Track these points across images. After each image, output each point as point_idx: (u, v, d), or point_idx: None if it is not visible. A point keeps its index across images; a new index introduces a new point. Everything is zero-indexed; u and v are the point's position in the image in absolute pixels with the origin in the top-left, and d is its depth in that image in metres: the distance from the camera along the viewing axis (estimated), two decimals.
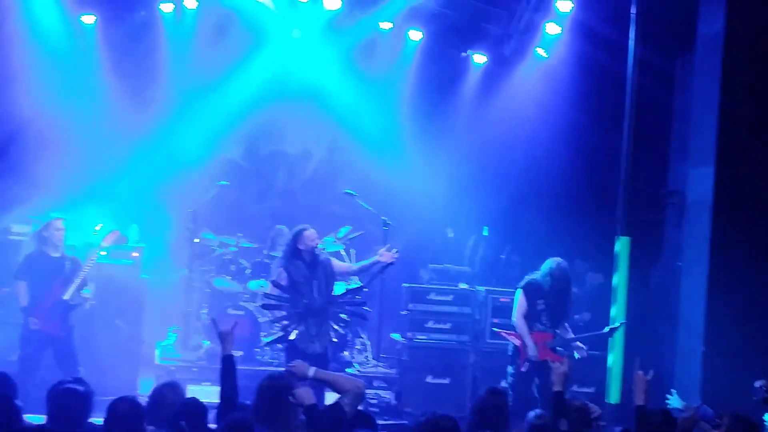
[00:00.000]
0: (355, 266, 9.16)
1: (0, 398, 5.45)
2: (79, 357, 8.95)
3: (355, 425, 5.58)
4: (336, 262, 9.01)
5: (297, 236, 8.68)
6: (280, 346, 10.39)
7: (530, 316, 8.95)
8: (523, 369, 8.87)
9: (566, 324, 9.09)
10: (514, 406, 7.94)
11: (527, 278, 9.10)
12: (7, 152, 10.75)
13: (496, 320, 10.43)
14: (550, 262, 8.96)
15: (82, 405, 5.42)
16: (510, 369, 9.04)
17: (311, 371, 6.17)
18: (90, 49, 11.65)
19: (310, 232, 8.70)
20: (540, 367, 8.82)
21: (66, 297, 8.89)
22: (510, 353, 9.08)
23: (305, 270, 8.62)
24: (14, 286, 9.07)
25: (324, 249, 9.98)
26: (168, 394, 5.87)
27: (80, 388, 5.56)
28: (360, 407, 6.26)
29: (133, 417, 5.27)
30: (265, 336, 9.64)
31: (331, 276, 8.74)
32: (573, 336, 9.04)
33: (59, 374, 8.33)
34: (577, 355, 8.96)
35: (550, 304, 8.94)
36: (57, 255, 9.01)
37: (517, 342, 8.97)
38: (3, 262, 10.07)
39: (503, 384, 8.78)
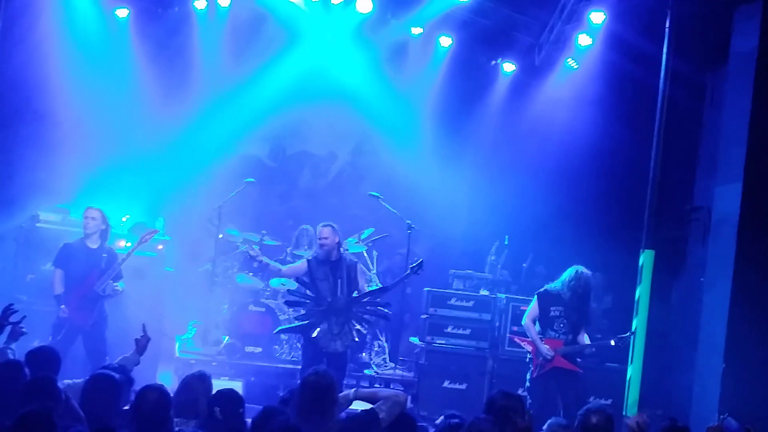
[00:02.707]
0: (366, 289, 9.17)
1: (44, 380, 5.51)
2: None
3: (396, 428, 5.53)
4: (360, 269, 9.06)
5: (316, 232, 8.82)
6: (284, 337, 10.51)
7: (543, 323, 9.00)
8: (534, 375, 8.91)
9: (585, 333, 9.08)
10: (533, 411, 8.02)
11: (546, 286, 9.19)
12: (39, 142, 10.83)
13: (515, 328, 10.44)
14: (571, 270, 9.00)
15: (116, 392, 5.49)
16: (528, 375, 9.08)
17: (351, 395, 6.18)
18: (123, 43, 11.74)
19: (321, 230, 8.78)
20: (554, 373, 8.90)
21: (98, 289, 8.97)
22: (528, 360, 9.12)
23: (326, 266, 8.69)
24: (51, 274, 9.15)
25: (347, 250, 10.05)
26: (197, 385, 5.91)
27: (117, 375, 5.64)
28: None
29: (161, 404, 5.31)
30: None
31: (354, 279, 8.79)
32: (587, 344, 9.03)
33: (87, 364, 8.47)
34: (612, 342, 9.03)
35: (567, 312, 8.96)
36: (95, 246, 9.09)
37: (530, 348, 9.03)
38: (31, 249, 10.17)
39: (521, 391, 8.78)
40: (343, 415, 5.81)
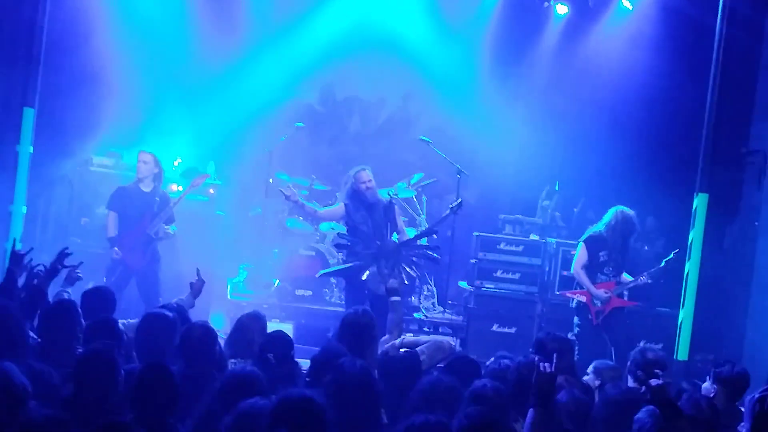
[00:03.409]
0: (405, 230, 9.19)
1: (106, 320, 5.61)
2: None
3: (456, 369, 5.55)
4: (398, 210, 9.07)
5: (354, 176, 8.79)
6: (333, 280, 10.59)
7: (592, 268, 8.97)
8: (596, 323, 8.89)
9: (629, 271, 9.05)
10: (581, 356, 8.05)
11: (590, 230, 9.16)
12: (90, 85, 10.92)
13: (565, 272, 10.41)
14: (612, 211, 8.96)
15: (169, 330, 5.59)
16: (576, 320, 9.05)
17: (397, 297, 6.30)
18: None
19: (361, 174, 8.78)
20: (608, 316, 8.88)
21: (150, 231, 9.09)
22: (574, 306, 9.08)
23: (364, 210, 8.71)
24: (104, 217, 9.29)
25: (396, 194, 10.05)
26: (252, 324, 5.98)
27: (170, 314, 5.74)
28: None
29: (206, 340, 5.40)
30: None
31: (393, 220, 8.80)
32: (633, 279, 8.99)
33: (141, 305, 8.62)
34: (662, 264, 9.04)
35: (613, 254, 8.93)
36: (148, 190, 9.20)
37: (584, 298, 8.98)
38: (84, 193, 10.34)
39: (570, 335, 8.77)
40: (382, 355, 5.86)
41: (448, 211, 9.11)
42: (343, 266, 8.99)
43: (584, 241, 9.05)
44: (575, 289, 9.14)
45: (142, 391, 4.44)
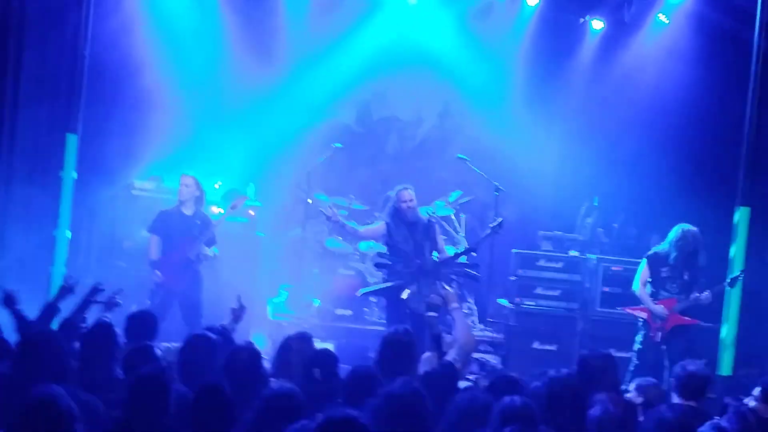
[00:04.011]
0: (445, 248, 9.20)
1: (143, 349, 5.68)
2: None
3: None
4: (439, 230, 9.08)
5: (396, 195, 8.82)
6: (373, 299, 10.62)
7: (655, 285, 8.97)
8: (656, 339, 8.87)
9: (698, 290, 8.94)
10: (637, 372, 8.07)
11: (654, 248, 9.16)
12: (133, 111, 11.10)
13: (606, 288, 10.39)
14: (676, 229, 8.94)
15: (212, 352, 5.64)
16: (638, 336, 9.03)
17: (455, 304, 6.37)
18: (211, 13, 11.87)
19: (404, 193, 8.80)
20: (669, 334, 8.87)
21: (191, 254, 9.18)
22: (640, 322, 9.07)
23: (404, 228, 8.73)
24: (147, 240, 9.41)
25: (435, 213, 10.07)
26: (298, 346, 6.01)
27: (213, 336, 5.79)
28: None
29: (251, 363, 5.44)
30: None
31: (433, 239, 8.82)
32: (703, 294, 8.89)
33: (184, 327, 8.69)
34: (727, 283, 8.96)
35: (677, 272, 8.89)
36: (189, 213, 9.30)
37: (644, 315, 8.98)
38: (126, 216, 10.47)
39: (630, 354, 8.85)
40: (422, 372, 5.88)
41: (488, 231, 9.10)
42: (383, 285, 9.01)
43: (647, 258, 9.08)
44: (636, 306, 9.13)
45: (200, 413, 4.45)
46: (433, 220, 9.11)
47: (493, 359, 10.54)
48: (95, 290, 6.62)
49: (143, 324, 6.33)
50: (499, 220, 9.02)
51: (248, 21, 12.09)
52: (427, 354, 6.45)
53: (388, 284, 8.75)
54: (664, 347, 8.88)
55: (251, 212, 10.61)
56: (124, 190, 10.65)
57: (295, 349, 5.99)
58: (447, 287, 8.56)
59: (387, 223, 8.85)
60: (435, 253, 8.85)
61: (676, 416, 5.04)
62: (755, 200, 9.35)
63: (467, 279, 9.12)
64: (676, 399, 6.03)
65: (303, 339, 6.14)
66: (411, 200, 8.79)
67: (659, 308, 8.87)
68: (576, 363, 6.28)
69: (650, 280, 8.99)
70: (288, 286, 11.35)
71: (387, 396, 4.56)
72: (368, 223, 11.09)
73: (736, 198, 9.31)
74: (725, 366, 9.12)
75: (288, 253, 11.56)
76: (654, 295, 8.95)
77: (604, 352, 6.29)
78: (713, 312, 9.54)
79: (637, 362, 8.86)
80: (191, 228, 9.25)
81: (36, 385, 4.34)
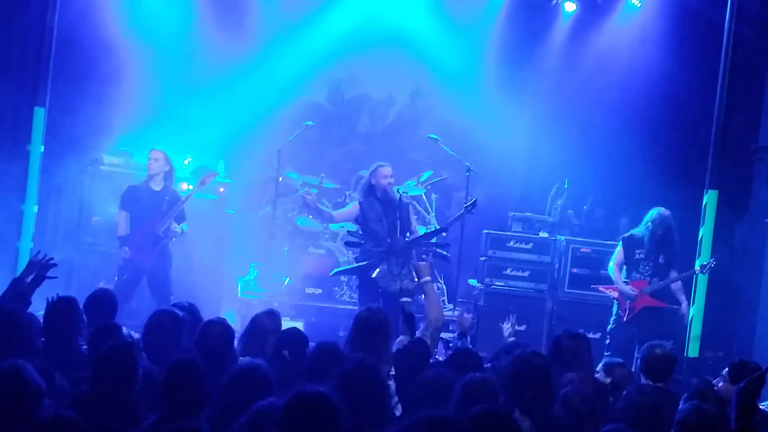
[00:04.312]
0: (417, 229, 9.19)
1: (110, 327, 5.60)
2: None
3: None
4: (413, 210, 9.09)
5: (372, 172, 8.82)
6: (344, 278, 10.63)
7: (629, 266, 9.12)
8: (625, 319, 8.96)
9: (674, 271, 9.07)
10: (611, 351, 8.17)
11: (631, 231, 9.30)
12: (102, 85, 10.97)
13: (575, 270, 10.47)
14: (652, 212, 9.08)
15: (177, 328, 5.60)
16: (611, 317, 9.15)
17: (428, 277, 6.39)
18: None
19: (384, 169, 8.80)
20: (638, 315, 8.99)
21: (160, 230, 9.11)
22: (615, 303, 9.23)
23: (379, 207, 8.72)
24: (117, 216, 9.32)
25: (406, 193, 10.06)
26: (266, 322, 5.99)
27: (179, 312, 5.75)
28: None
29: (223, 338, 5.42)
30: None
31: (407, 219, 8.82)
32: (672, 278, 9.00)
33: (152, 303, 8.64)
34: (697, 269, 9.08)
35: (650, 254, 8.98)
36: (158, 189, 9.23)
37: (615, 294, 9.14)
38: (95, 192, 10.37)
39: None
40: (394, 350, 5.90)
41: (462, 211, 9.15)
42: (355, 265, 9.00)
43: (622, 240, 9.24)
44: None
45: (172, 389, 4.42)
46: (406, 199, 9.10)
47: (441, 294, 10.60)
48: (48, 265, 6.44)
49: (101, 304, 6.21)
50: (473, 200, 9.07)
51: None
52: (401, 338, 6.47)
53: (361, 264, 8.75)
54: (635, 329, 8.96)
55: (221, 189, 10.55)
56: (93, 165, 10.54)
57: (264, 326, 5.98)
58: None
59: (360, 202, 8.83)
60: (407, 233, 8.84)
61: (649, 399, 5.10)
62: (723, 184, 9.43)
63: (437, 258, 9.12)
64: (643, 380, 6.09)
65: (272, 316, 6.13)
66: (391, 176, 8.78)
67: (627, 288, 8.99)
68: (550, 343, 6.31)
69: (625, 261, 9.08)
70: (258, 264, 11.32)
71: (340, 374, 4.57)
72: (339, 202, 11.09)
73: (704, 181, 9.38)
74: (692, 348, 9.21)
75: (258, 231, 11.52)
76: (627, 277, 9.06)
77: (578, 332, 6.33)
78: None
79: (608, 341, 9.05)
80: (160, 204, 9.19)
81: (1, 359, 4.30)
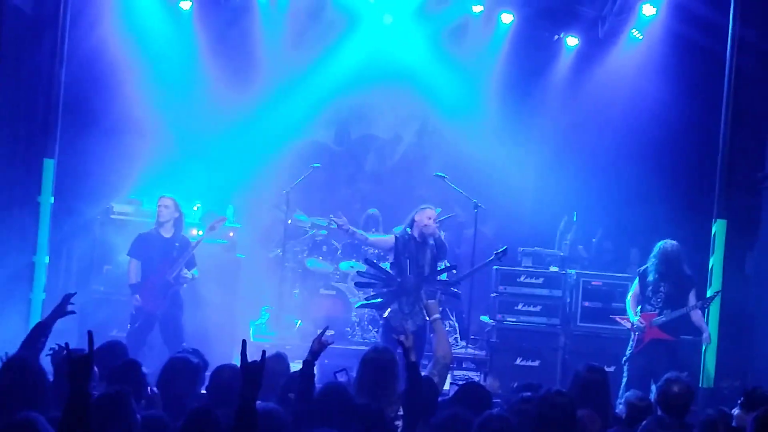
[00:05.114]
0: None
1: (129, 364, 5.61)
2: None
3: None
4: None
5: (418, 210, 8.75)
6: (355, 319, 10.59)
7: (642, 300, 9.13)
8: (635, 351, 9.04)
9: (691, 301, 9.02)
10: (629, 382, 8.19)
11: (646, 264, 9.27)
12: (110, 135, 11.07)
13: (586, 303, 10.45)
14: (659, 244, 9.04)
15: (194, 374, 5.60)
16: (627, 349, 9.18)
17: (437, 315, 6.35)
18: (187, 34, 11.88)
19: (426, 211, 8.72)
20: (651, 348, 8.97)
21: (170, 277, 9.13)
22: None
23: (413, 247, 8.65)
24: (128, 264, 9.35)
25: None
26: (275, 366, 5.99)
27: (194, 359, 5.75)
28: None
29: (235, 381, 5.40)
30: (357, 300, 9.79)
31: (434, 257, 8.77)
32: (679, 311, 8.97)
33: (165, 351, 8.62)
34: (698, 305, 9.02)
35: (659, 286, 8.99)
36: (168, 235, 9.26)
37: (628, 325, 9.16)
38: (106, 240, 10.41)
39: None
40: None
41: (492, 257, 9.18)
42: (375, 300, 8.91)
43: (638, 274, 9.29)
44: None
45: None
46: (443, 242, 9.07)
47: (476, 376, 10.53)
48: (67, 297, 6.43)
49: (112, 355, 6.19)
50: (504, 248, 9.12)
51: (224, 41, 12.12)
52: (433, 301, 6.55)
53: (377, 300, 8.72)
54: (645, 361, 8.93)
55: (231, 234, 10.58)
56: (103, 213, 10.60)
57: (273, 369, 5.97)
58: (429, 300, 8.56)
59: (396, 237, 8.77)
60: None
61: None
62: (731, 213, 9.43)
63: (448, 296, 9.12)
64: (660, 412, 6.05)
65: (280, 359, 6.13)
66: (431, 219, 8.70)
67: (637, 319, 8.98)
68: (571, 377, 6.29)
69: (640, 294, 9.14)
70: (269, 307, 11.32)
71: (347, 418, 4.56)
72: (349, 243, 11.12)
73: (712, 211, 9.38)
74: (706, 378, 9.16)
75: (268, 273, 11.54)
76: (642, 309, 9.06)
77: (598, 366, 6.32)
78: (693, 324, 9.58)
79: (625, 372, 9.03)
80: (170, 250, 9.22)
81: (14, 411, 4.31)
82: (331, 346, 9.14)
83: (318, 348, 5.76)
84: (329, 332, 6.04)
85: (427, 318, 6.78)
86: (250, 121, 12.05)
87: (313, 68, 12.53)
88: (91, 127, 11.01)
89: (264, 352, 4.63)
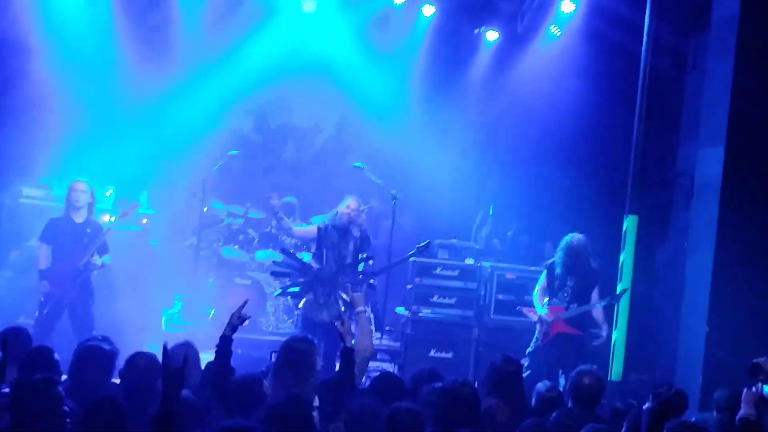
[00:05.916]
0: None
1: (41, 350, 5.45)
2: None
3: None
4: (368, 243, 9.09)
5: (345, 203, 8.76)
6: (270, 309, 10.54)
7: (550, 293, 9.17)
8: (541, 343, 9.04)
9: (594, 297, 9.13)
10: (530, 379, 8.19)
11: (553, 258, 9.34)
12: (20, 118, 10.77)
13: (500, 296, 10.54)
14: (566, 238, 9.11)
15: (106, 362, 5.48)
16: (532, 341, 9.22)
17: (361, 308, 6.33)
18: (104, 18, 11.63)
19: (348, 201, 8.74)
20: (557, 341, 9.03)
21: (80, 263, 8.92)
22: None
23: (336, 237, 8.65)
24: (36, 249, 9.11)
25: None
26: (184, 354, 5.89)
27: (106, 346, 5.62)
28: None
29: (151, 369, 5.33)
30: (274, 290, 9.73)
31: (356, 249, 8.77)
32: (585, 306, 9.09)
33: (74, 338, 8.42)
34: (605, 303, 9.11)
35: (566, 280, 9.07)
36: (80, 221, 9.03)
37: (535, 317, 9.20)
38: (14, 225, 10.14)
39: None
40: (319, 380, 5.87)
41: (414, 250, 9.19)
42: (293, 289, 8.86)
43: (545, 267, 9.33)
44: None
45: (91, 428, 4.30)
46: (367, 233, 9.08)
47: (390, 368, 10.55)
48: None
49: (15, 341, 6.01)
50: (426, 241, 9.14)
51: (142, 26, 11.92)
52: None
53: (295, 289, 8.67)
54: (552, 354, 9.03)
55: (144, 221, 10.39)
56: (12, 197, 10.31)
57: (182, 357, 5.89)
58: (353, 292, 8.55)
59: (318, 227, 8.75)
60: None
61: (576, 422, 5.15)
62: (643, 209, 9.61)
63: (363, 287, 9.10)
64: (570, 404, 6.14)
65: (188, 347, 6.07)
66: (353, 208, 8.73)
67: (543, 312, 9.06)
68: (487, 368, 6.35)
69: (547, 287, 9.19)
70: (182, 296, 11.16)
71: (271, 407, 4.54)
72: (266, 233, 11.03)
73: (625, 207, 9.55)
74: (616, 371, 9.31)
75: (182, 262, 11.36)
76: (549, 303, 9.13)
77: (514, 359, 6.38)
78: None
79: (527, 363, 8.92)
80: (81, 236, 9.00)
81: None
82: (246, 336, 9.08)
83: (237, 322, 5.74)
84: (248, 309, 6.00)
85: (346, 309, 6.76)
86: (167, 107, 11.87)
87: (233, 56, 12.41)
88: (2, 109, 10.70)
89: (165, 345, 4.48)
